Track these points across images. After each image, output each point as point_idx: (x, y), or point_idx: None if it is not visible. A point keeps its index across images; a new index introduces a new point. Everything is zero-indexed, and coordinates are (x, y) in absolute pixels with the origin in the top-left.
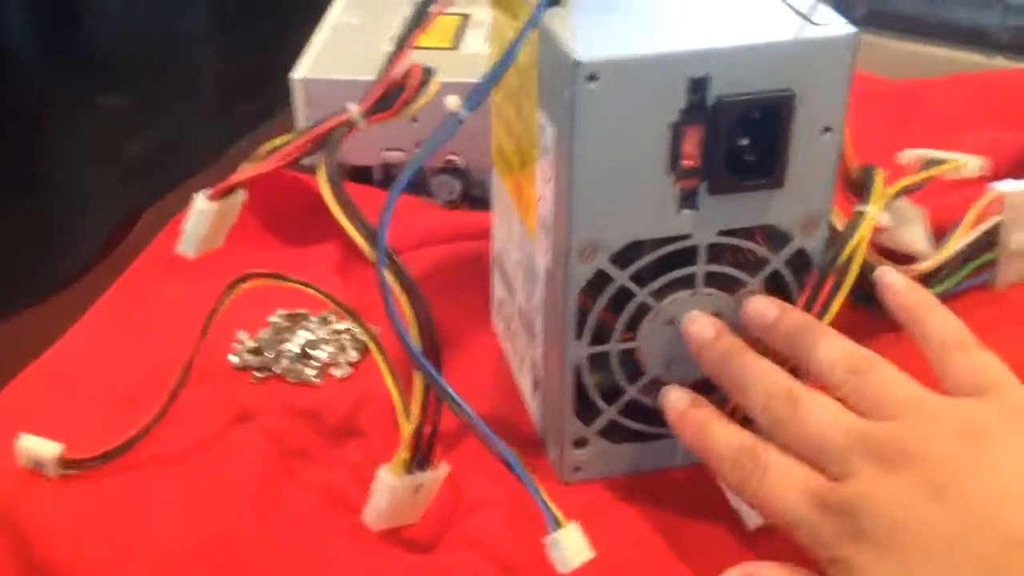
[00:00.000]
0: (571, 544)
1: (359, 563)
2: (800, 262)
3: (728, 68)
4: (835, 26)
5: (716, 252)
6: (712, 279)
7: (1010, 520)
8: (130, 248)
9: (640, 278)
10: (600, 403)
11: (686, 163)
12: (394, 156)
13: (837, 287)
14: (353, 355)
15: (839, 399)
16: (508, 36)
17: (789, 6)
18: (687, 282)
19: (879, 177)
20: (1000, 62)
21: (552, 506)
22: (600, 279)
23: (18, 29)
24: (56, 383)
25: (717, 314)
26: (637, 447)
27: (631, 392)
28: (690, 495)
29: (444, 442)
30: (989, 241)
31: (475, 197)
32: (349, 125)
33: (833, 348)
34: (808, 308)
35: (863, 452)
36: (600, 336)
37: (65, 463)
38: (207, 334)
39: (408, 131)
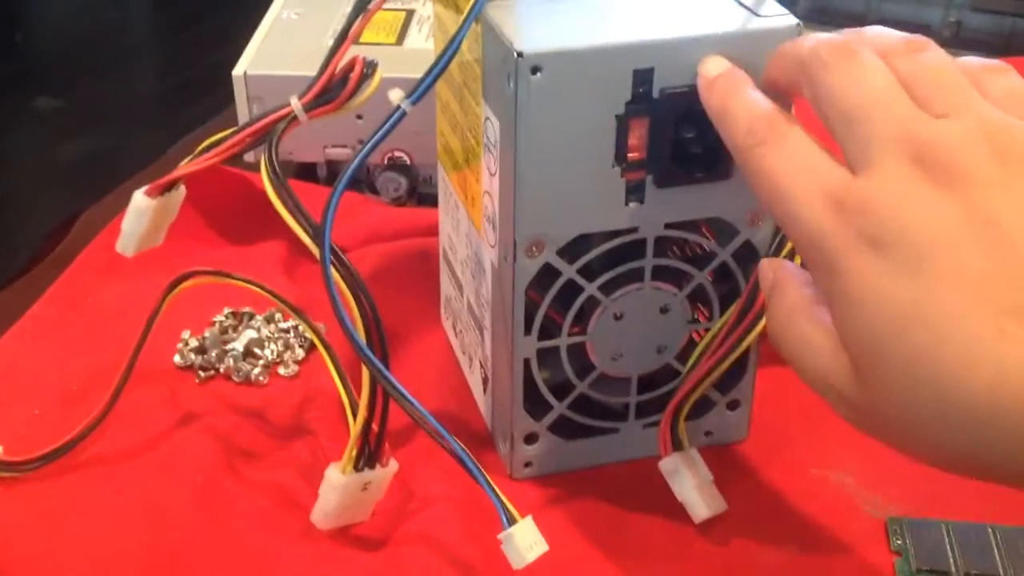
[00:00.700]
0: (525, 538)
1: (309, 563)
2: (747, 254)
3: (673, 59)
4: (779, 18)
5: (664, 245)
6: (660, 273)
7: None
8: (68, 249)
9: (588, 272)
10: (550, 398)
11: (632, 156)
12: (339, 153)
13: None
14: (299, 353)
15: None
16: (451, 29)
17: None
18: (635, 276)
19: None
20: None
21: (506, 501)
22: (548, 274)
23: None
24: None
25: (664, 309)
26: (586, 442)
27: (581, 387)
28: (639, 489)
29: (393, 439)
30: None
31: (421, 193)
32: (291, 119)
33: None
34: (752, 300)
35: (898, 142)
36: (549, 331)
37: (3, 465)
38: (149, 333)
39: (353, 128)
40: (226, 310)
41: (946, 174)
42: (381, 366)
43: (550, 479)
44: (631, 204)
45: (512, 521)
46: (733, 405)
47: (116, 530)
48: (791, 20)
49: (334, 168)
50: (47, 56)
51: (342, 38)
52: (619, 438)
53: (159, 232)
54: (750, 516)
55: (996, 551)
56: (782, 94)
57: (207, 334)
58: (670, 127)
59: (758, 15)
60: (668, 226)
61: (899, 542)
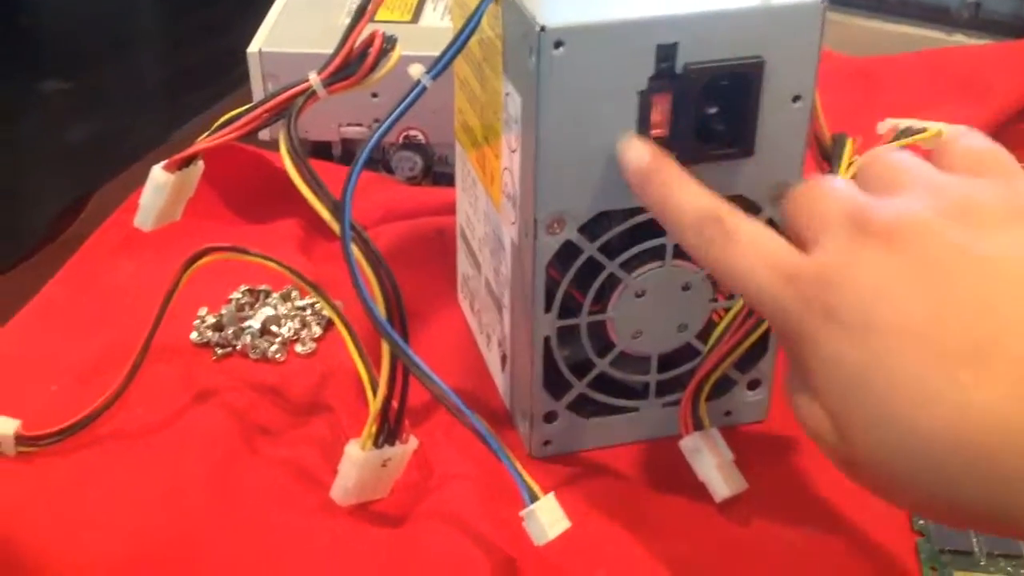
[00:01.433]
0: (548, 515)
1: (328, 539)
2: None
3: (697, 34)
4: None
5: None
6: (682, 250)
7: (999, 312)
8: (81, 229)
9: (609, 250)
10: (570, 377)
11: (655, 132)
12: (353, 131)
13: None
14: (316, 331)
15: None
16: (471, 4)
17: None
18: (656, 254)
19: (848, 145)
20: (960, 39)
21: (527, 478)
22: (568, 251)
23: None
24: (13, 360)
25: (686, 287)
26: (606, 421)
27: (601, 365)
28: (658, 468)
29: (412, 416)
30: None
31: (436, 172)
32: (309, 94)
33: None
34: None
35: (844, 220)
36: (569, 309)
37: (22, 440)
38: (167, 310)
39: (368, 106)
40: (243, 287)
41: (886, 234)
42: (402, 342)
43: (569, 458)
44: None
45: (534, 498)
46: (753, 385)
47: (133, 505)
48: None
49: (349, 147)
50: (53, 39)
51: (360, 13)
52: (638, 417)
53: (177, 207)
54: (771, 496)
55: None
56: None
57: (224, 311)
58: (693, 103)
59: None
60: None
61: (921, 522)
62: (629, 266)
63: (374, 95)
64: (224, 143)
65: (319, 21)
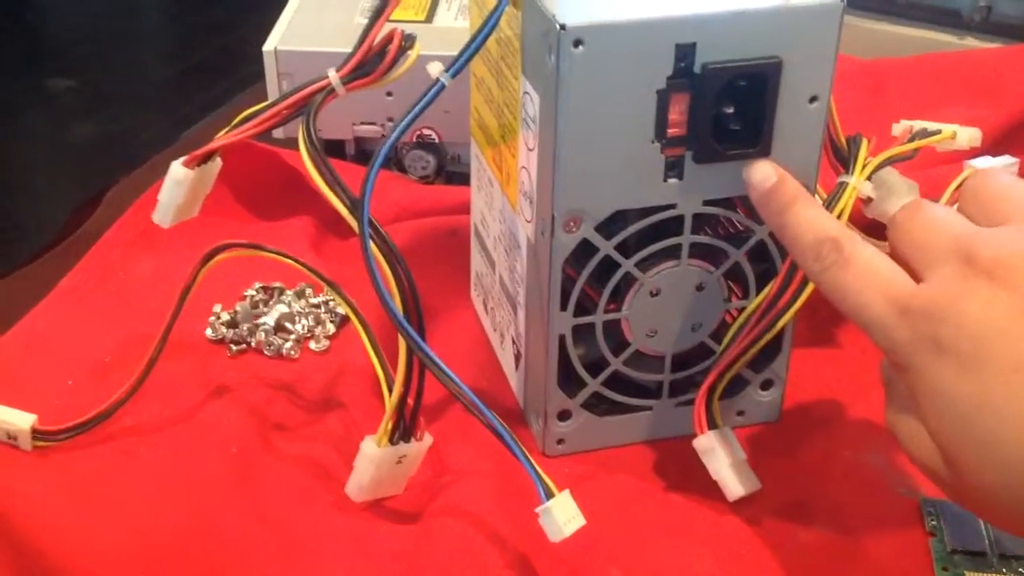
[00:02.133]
0: (563, 512)
1: (343, 535)
2: None
3: (715, 34)
4: None
5: (701, 222)
6: (697, 250)
7: None
8: (96, 224)
9: (625, 248)
10: (584, 375)
11: (672, 131)
12: (367, 130)
13: None
14: (330, 328)
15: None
16: (488, 3)
17: None
18: (672, 253)
19: (864, 146)
20: (971, 42)
21: (543, 475)
22: (584, 250)
23: None
24: (29, 354)
25: (700, 287)
26: (620, 419)
27: (615, 364)
28: (671, 467)
29: (426, 414)
30: None
31: (449, 172)
32: (328, 91)
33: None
34: (789, 279)
35: (951, 252)
36: (584, 307)
37: (38, 435)
38: (183, 305)
39: (382, 105)
40: (257, 284)
41: (996, 269)
42: (418, 338)
43: (582, 457)
44: (670, 180)
45: (550, 495)
46: (766, 385)
47: (149, 500)
48: None
49: (362, 146)
50: (60, 37)
51: (379, 11)
52: (652, 416)
53: (195, 203)
54: (784, 495)
55: None
56: None
57: (238, 308)
58: (711, 103)
59: None
60: (706, 203)
61: (933, 523)
62: (645, 265)
63: (388, 94)
64: (242, 140)
65: (334, 20)
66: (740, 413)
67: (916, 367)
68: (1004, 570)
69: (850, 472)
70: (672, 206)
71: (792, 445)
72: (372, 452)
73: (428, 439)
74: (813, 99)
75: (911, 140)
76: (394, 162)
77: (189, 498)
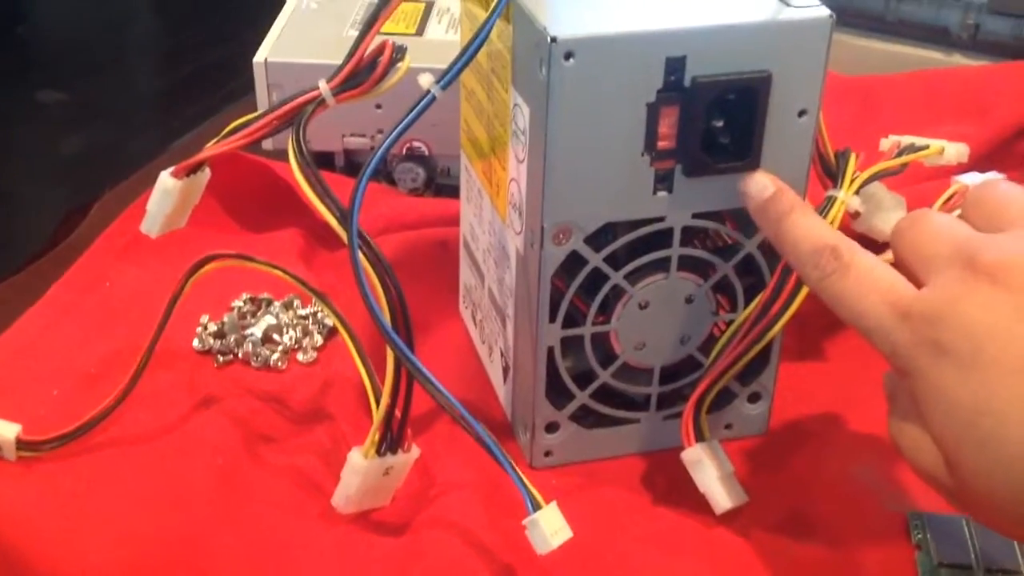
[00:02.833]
0: (551, 524)
1: (330, 546)
2: (773, 246)
3: (705, 48)
4: (812, 9)
5: (690, 235)
6: (686, 263)
7: None
8: (84, 235)
9: (614, 261)
10: (572, 387)
11: (662, 144)
12: (357, 142)
13: None
14: (318, 340)
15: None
16: (479, 16)
17: None
18: (661, 265)
19: (852, 161)
20: (958, 59)
21: (530, 486)
22: (574, 261)
23: None
24: (15, 364)
25: (689, 300)
26: (607, 432)
27: (604, 376)
28: (659, 480)
29: (414, 425)
30: None
31: (439, 184)
32: (318, 103)
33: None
34: (777, 293)
35: (952, 258)
36: (573, 319)
37: (23, 445)
38: (170, 316)
39: (371, 117)
40: (244, 295)
41: (996, 272)
42: (407, 349)
43: (570, 469)
44: (659, 193)
45: (537, 507)
46: (754, 398)
47: (135, 511)
48: (823, 11)
49: (351, 157)
50: (50, 49)
51: (371, 23)
52: (639, 429)
53: (183, 214)
54: (771, 508)
55: (1017, 546)
56: None
57: (226, 319)
58: (700, 116)
59: (790, 4)
60: (695, 216)
61: (920, 536)
62: (633, 277)
63: (378, 106)
64: (231, 151)
65: (324, 32)
66: (728, 426)
67: (917, 371)
68: None
69: (837, 485)
70: (661, 219)
71: (780, 458)
72: (359, 463)
73: (415, 451)
74: (802, 113)
75: (899, 155)
76: (383, 174)
77: (175, 509)
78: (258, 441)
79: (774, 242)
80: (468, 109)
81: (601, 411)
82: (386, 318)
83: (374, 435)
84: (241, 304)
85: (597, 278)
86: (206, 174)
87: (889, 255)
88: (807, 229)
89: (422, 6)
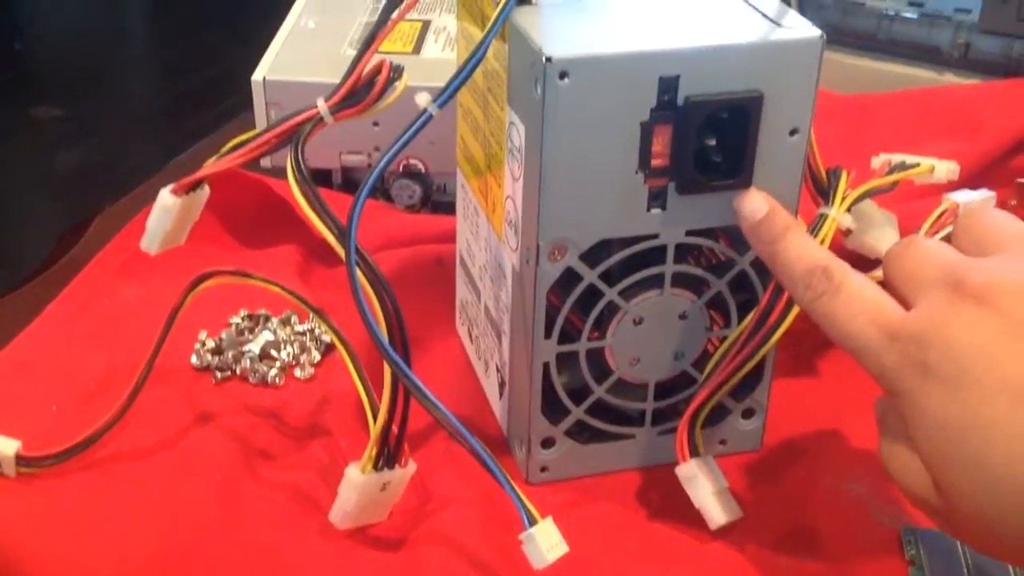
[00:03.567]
0: (547, 539)
1: (327, 562)
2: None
3: (698, 68)
4: (802, 29)
5: (684, 252)
6: (680, 279)
7: None
8: (82, 252)
9: (609, 277)
10: (568, 403)
11: (655, 162)
12: (354, 159)
13: None
14: (315, 356)
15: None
16: (475, 36)
17: (756, 10)
18: (655, 282)
19: (844, 179)
20: (950, 78)
21: (527, 501)
22: (569, 278)
23: None
24: (14, 380)
25: (683, 316)
26: (603, 447)
27: (599, 392)
28: (654, 495)
29: (410, 441)
30: None
31: (435, 201)
32: (317, 121)
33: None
34: (770, 309)
35: (940, 280)
36: (568, 335)
37: (23, 460)
38: (169, 332)
39: (368, 134)
40: (242, 312)
41: (983, 294)
42: (404, 365)
43: (566, 484)
44: (653, 210)
45: (533, 522)
46: (748, 414)
47: (134, 527)
48: (814, 32)
49: (349, 175)
50: (46, 65)
51: (369, 42)
52: (635, 444)
53: (182, 231)
54: (766, 524)
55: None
56: None
57: (224, 335)
58: (693, 135)
59: (780, 25)
60: (689, 233)
61: (913, 552)
62: (628, 294)
63: (375, 124)
64: (230, 168)
65: (321, 51)
66: (722, 442)
67: (905, 392)
68: None
69: (831, 500)
70: (655, 236)
71: (774, 473)
72: (356, 479)
73: (412, 466)
74: (794, 131)
75: (890, 173)
76: (380, 191)
77: (173, 525)
78: (256, 457)
79: (767, 262)
80: (464, 127)
81: (596, 426)
82: (383, 334)
83: (371, 450)
84: (239, 320)
85: (592, 294)
86: (205, 191)
87: (879, 272)
88: (800, 250)
89: (419, 25)
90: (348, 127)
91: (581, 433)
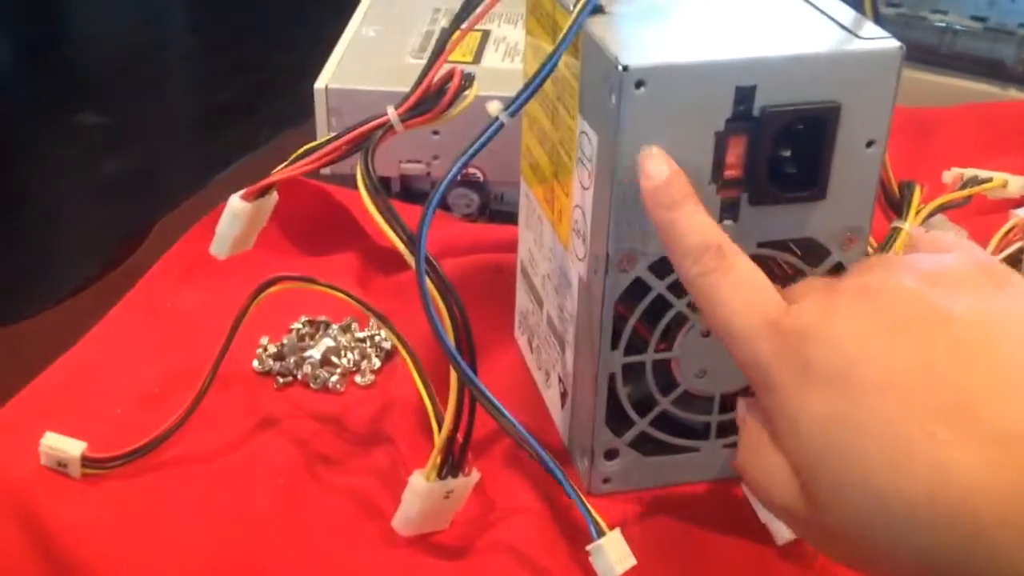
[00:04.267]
0: (615, 551)
1: (389, 569)
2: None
3: (775, 78)
4: (882, 40)
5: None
6: None
7: (969, 376)
8: (143, 258)
9: (677, 288)
10: (632, 414)
11: (729, 172)
12: (413, 168)
13: None
14: (376, 363)
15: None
16: (545, 45)
17: (833, 20)
18: None
19: (917, 193)
20: (1013, 93)
21: (594, 513)
22: (637, 288)
23: None
24: (78, 383)
25: None
26: (666, 460)
27: (664, 404)
28: (718, 509)
29: (473, 449)
30: (1012, 266)
31: (492, 211)
32: (387, 128)
33: None
34: None
35: (823, 282)
36: (635, 346)
37: (88, 462)
38: (234, 337)
39: (428, 143)
40: (303, 318)
41: (858, 288)
42: (471, 373)
43: (628, 496)
44: (725, 222)
45: (601, 533)
46: None
47: (196, 530)
48: (893, 43)
49: (407, 183)
50: (90, 73)
51: (439, 50)
52: (699, 457)
53: (251, 236)
54: None
55: None
56: None
57: (285, 341)
58: (768, 146)
59: (859, 36)
60: (761, 245)
61: None
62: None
63: (435, 132)
64: (297, 175)
65: (383, 59)
66: None
67: (779, 387)
68: None
69: None
70: None
71: None
72: (420, 486)
73: (476, 474)
74: (870, 143)
75: (963, 187)
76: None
77: (235, 529)
78: (318, 462)
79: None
80: (531, 136)
81: (660, 438)
82: (451, 342)
83: (436, 458)
84: (300, 326)
85: (660, 305)
86: (274, 197)
87: None
88: (697, 224)
89: (479, 35)
90: (407, 135)
91: (645, 445)
